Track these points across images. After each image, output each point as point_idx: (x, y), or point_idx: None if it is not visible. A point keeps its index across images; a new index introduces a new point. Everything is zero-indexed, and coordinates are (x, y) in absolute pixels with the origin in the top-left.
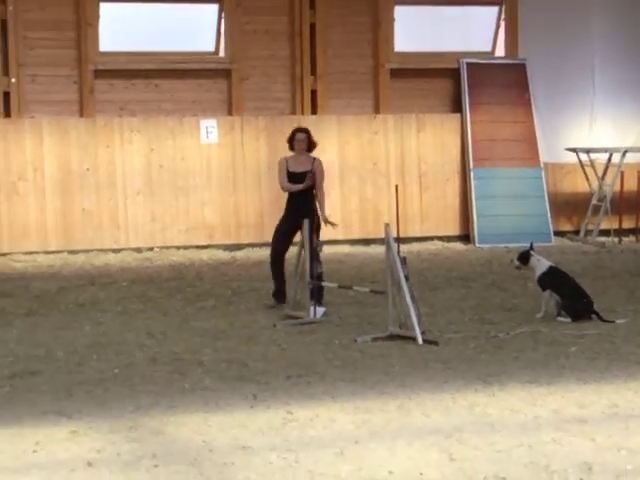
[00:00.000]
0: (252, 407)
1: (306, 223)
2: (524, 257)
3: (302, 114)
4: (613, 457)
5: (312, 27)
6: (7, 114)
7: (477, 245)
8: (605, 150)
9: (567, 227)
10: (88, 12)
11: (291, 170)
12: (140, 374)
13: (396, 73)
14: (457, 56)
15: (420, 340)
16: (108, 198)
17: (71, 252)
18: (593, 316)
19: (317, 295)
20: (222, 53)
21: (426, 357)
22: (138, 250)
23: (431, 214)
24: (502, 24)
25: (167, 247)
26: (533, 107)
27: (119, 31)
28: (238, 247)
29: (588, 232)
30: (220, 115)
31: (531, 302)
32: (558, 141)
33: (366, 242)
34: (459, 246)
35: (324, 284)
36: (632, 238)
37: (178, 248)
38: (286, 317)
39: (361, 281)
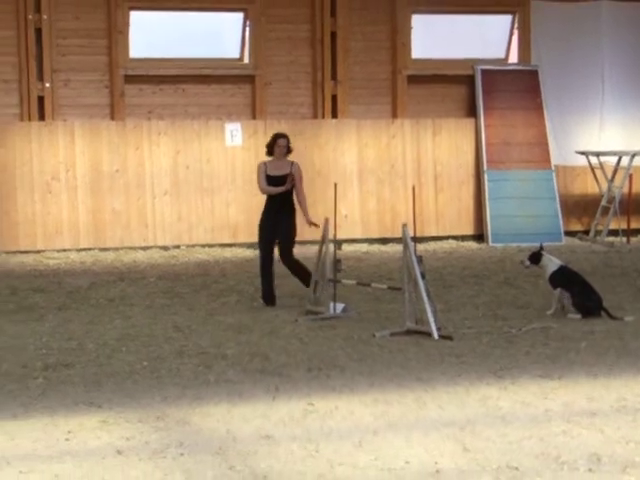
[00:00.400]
0: (274, 399)
1: (325, 222)
2: (535, 257)
3: (323, 118)
4: (621, 449)
5: (333, 35)
6: (41, 117)
7: (490, 244)
8: (614, 153)
9: (577, 227)
10: (119, 20)
11: (270, 174)
12: (167, 366)
13: (413, 79)
14: (472, 63)
15: (436, 335)
16: (137, 198)
17: (102, 250)
18: (602, 313)
19: (304, 277)
20: (246, 59)
21: (441, 352)
22: (165, 248)
23: (446, 214)
24: (515, 32)
25: (193, 245)
26: (545, 112)
27: (148, 38)
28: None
29: (597, 232)
30: (244, 119)
31: (542, 299)
32: (569, 144)
33: (384, 241)
34: (473, 245)
35: (344, 282)
36: None
37: (203, 246)
38: (307, 312)
39: (379, 278)
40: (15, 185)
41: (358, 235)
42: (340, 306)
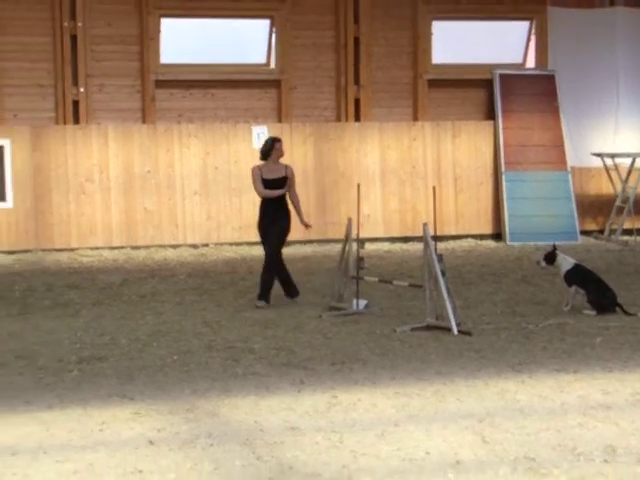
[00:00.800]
0: (299, 391)
1: (349, 222)
2: (551, 257)
3: (346, 121)
4: (636, 441)
5: (356, 40)
6: (76, 121)
7: (508, 243)
8: (628, 155)
9: (592, 227)
10: (150, 27)
11: (266, 177)
12: (197, 360)
13: (433, 83)
14: (490, 67)
15: (455, 331)
16: (167, 198)
17: (133, 248)
18: (617, 309)
19: (290, 286)
20: (273, 65)
21: (460, 347)
22: (194, 246)
23: (465, 214)
24: (532, 38)
25: (221, 244)
26: (561, 115)
27: (178, 44)
28: (286, 244)
29: (612, 231)
30: (270, 122)
31: (558, 296)
32: (584, 146)
33: (405, 240)
34: (491, 244)
35: (367, 279)
36: None
37: (231, 244)
38: (331, 308)
39: (401, 276)
40: (50, 186)
41: (380, 234)
42: (363, 302)
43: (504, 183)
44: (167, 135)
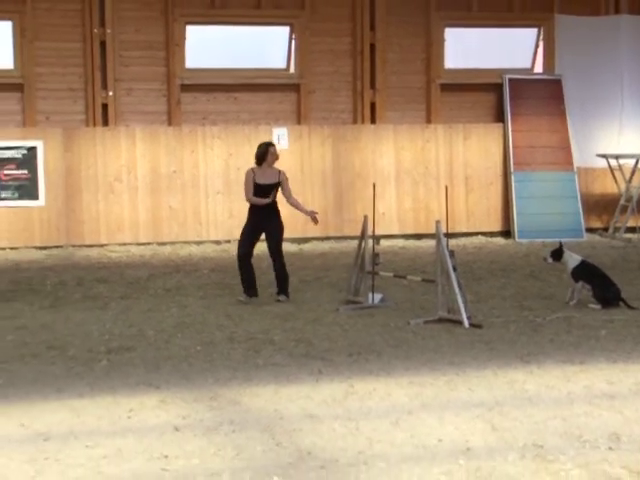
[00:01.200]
0: (317, 381)
1: (365, 220)
2: (557, 254)
3: (362, 123)
4: (639, 428)
5: (372, 47)
6: (105, 123)
7: (517, 240)
8: (632, 156)
9: (597, 224)
10: (176, 34)
11: (259, 182)
12: (219, 351)
13: (446, 87)
14: (500, 72)
15: (466, 323)
16: (192, 197)
17: (159, 244)
18: (620, 303)
19: (283, 283)
20: (292, 69)
21: (471, 338)
22: (217, 242)
23: (476, 212)
24: (540, 44)
25: None
26: (567, 118)
27: (203, 50)
28: (305, 240)
29: (616, 229)
30: (290, 124)
31: (565, 291)
32: (590, 148)
33: (418, 237)
34: (501, 241)
35: (382, 274)
36: None
37: None
38: (347, 302)
39: (414, 271)
40: (81, 186)
41: (395, 231)
42: (378, 296)
43: (513, 183)
44: (192, 137)
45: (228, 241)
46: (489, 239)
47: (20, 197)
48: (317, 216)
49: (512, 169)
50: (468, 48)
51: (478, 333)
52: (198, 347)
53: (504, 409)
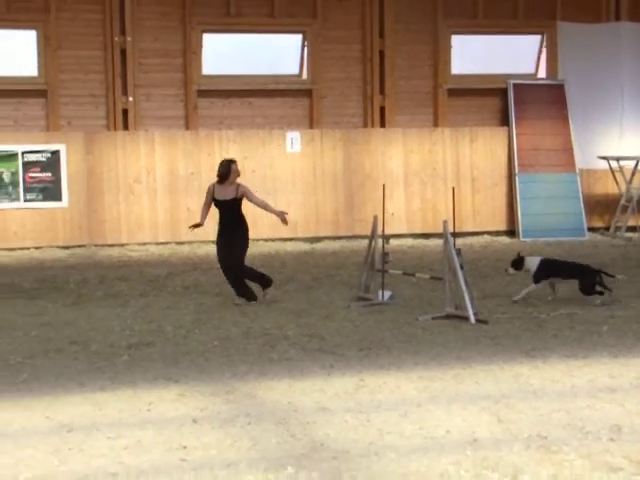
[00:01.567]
0: (329, 375)
1: (375, 220)
2: (517, 263)
3: (372, 127)
4: None
5: (381, 53)
6: (125, 127)
7: (521, 239)
8: (632, 158)
9: (599, 224)
10: (193, 42)
11: (217, 198)
12: (235, 346)
13: (453, 92)
14: (505, 78)
15: (473, 319)
16: None
17: (178, 243)
18: (602, 275)
19: (260, 281)
20: (305, 76)
21: (478, 334)
22: None
23: (482, 212)
24: (544, 50)
25: (257, 240)
26: (570, 121)
27: (219, 57)
28: (317, 240)
29: (617, 228)
30: (302, 128)
31: (568, 289)
32: (591, 150)
33: (426, 236)
34: (506, 240)
35: (391, 272)
36: None
37: (266, 240)
38: (358, 299)
39: (422, 269)
40: (102, 187)
41: (403, 231)
42: (388, 293)
43: (517, 184)
44: (208, 140)
45: None
46: (494, 238)
47: (44, 199)
48: (287, 217)
49: (517, 171)
50: (474, 54)
51: (484, 329)
52: (215, 342)
53: (510, 402)
